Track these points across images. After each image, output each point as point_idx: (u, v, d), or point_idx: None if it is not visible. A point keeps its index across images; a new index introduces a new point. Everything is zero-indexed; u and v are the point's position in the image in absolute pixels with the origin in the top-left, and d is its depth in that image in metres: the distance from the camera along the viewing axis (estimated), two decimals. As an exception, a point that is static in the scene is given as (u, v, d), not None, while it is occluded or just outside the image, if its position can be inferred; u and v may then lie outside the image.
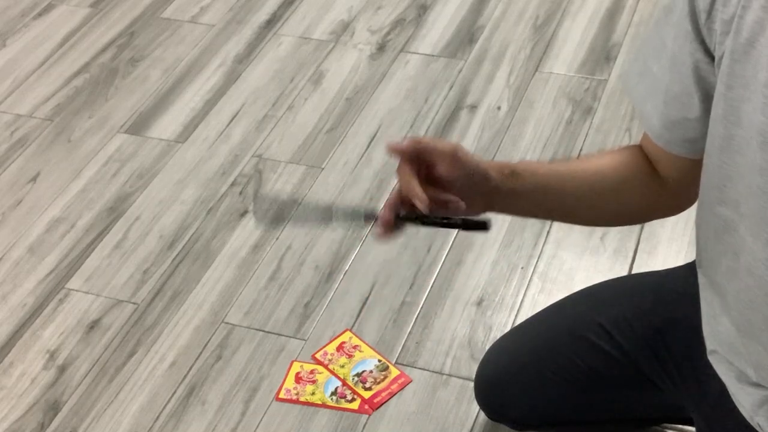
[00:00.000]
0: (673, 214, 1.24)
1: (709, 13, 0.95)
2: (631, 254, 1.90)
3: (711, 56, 0.98)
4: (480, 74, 2.38)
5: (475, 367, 1.51)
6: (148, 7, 2.74)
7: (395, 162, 1.03)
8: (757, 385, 1.11)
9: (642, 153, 1.16)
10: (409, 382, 1.71)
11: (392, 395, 1.69)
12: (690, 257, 1.24)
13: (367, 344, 1.78)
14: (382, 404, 1.68)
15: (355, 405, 1.68)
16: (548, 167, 1.16)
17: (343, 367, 1.74)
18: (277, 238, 2.00)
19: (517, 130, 2.21)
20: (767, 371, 1.08)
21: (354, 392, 1.70)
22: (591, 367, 1.36)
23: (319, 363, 1.75)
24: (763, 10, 0.89)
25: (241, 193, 2.12)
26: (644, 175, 1.15)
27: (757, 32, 0.90)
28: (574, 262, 1.90)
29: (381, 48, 2.50)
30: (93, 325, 1.86)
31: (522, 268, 1.89)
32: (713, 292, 1.12)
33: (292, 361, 1.76)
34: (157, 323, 1.85)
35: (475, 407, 1.61)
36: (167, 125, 2.32)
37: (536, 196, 1.13)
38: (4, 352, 1.83)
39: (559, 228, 1.96)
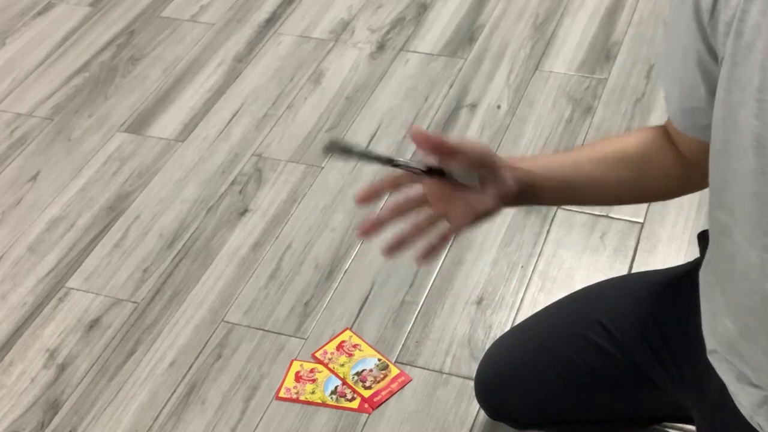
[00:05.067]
0: (697, 190, 1.24)
1: (712, 13, 0.95)
2: (631, 253, 1.90)
3: (714, 54, 0.98)
4: (480, 73, 2.38)
5: (475, 366, 1.51)
6: (148, 5, 2.73)
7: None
8: (757, 385, 1.11)
9: (663, 131, 1.17)
10: (409, 381, 1.71)
11: (392, 394, 1.69)
12: (690, 256, 1.24)
13: (367, 343, 1.78)
14: (382, 403, 1.68)
15: (355, 404, 1.68)
16: (567, 163, 1.16)
17: (343, 366, 1.74)
18: (277, 237, 2.00)
19: (517, 129, 2.21)
20: (765, 374, 1.08)
21: (354, 391, 1.70)
22: (591, 366, 1.36)
23: (319, 362, 1.75)
24: (761, 15, 0.89)
25: (240, 192, 2.12)
26: (665, 152, 1.16)
27: (755, 36, 0.90)
28: (574, 261, 1.90)
29: (381, 47, 2.49)
30: (93, 324, 1.86)
31: (522, 267, 1.89)
32: (716, 292, 1.12)
33: (292, 360, 1.76)
34: (156, 322, 1.85)
35: (475, 406, 1.62)
36: (167, 124, 2.32)
37: (559, 193, 1.15)
38: (4, 351, 1.83)
39: (559, 227, 1.96)
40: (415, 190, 1.04)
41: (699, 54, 0.99)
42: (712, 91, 1.02)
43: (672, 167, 1.16)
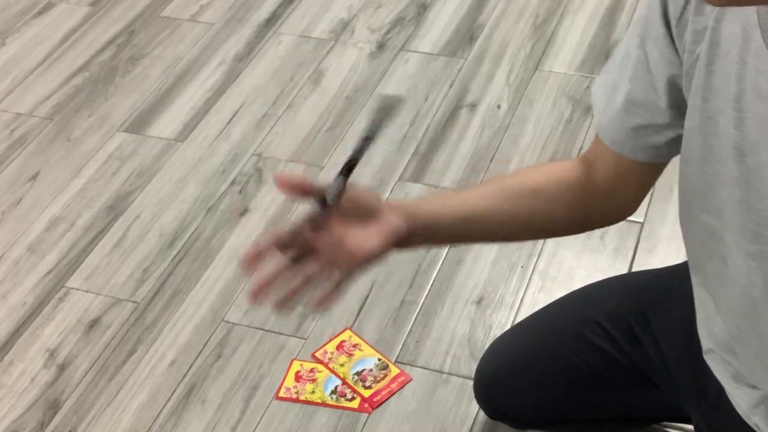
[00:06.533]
0: (614, 224, 1.23)
1: (679, 19, 0.95)
2: (630, 253, 1.90)
3: (680, 59, 0.98)
4: (480, 73, 2.38)
5: (474, 366, 1.51)
6: (148, 5, 2.73)
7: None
8: (753, 385, 1.11)
9: (577, 164, 1.15)
10: (409, 381, 1.71)
11: (392, 394, 1.69)
12: (690, 256, 1.24)
13: (367, 343, 1.78)
14: (382, 403, 1.68)
15: (354, 404, 1.68)
16: (459, 202, 1.13)
17: (343, 365, 1.74)
18: (277, 237, 2.00)
19: (517, 128, 2.21)
20: (760, 375, 1.08)
21: (354, 391, 1.70)
22: (590, 366, 1.36)
23: (319, 362, 1.75)
24: (735, 24, 0.89)
25: (240, 191, 2.12)
26: (572, 185, 1.14)
27: (730, 45, 0.90)
28: (574, 260, 1.90)
29: (381, 46, 2.49)
30: (93, 324, 1.86)
31: (522, 266, 1.89)
32: (706, 293, 1.12)
33: (292, 360, 1.76)
34: (156, 322, 1.85)
35: (475, 406, 1.62)
36: (167, 124, 2.32)
37: (453, 231, 1.12)
38: (4, 351, 1.83)
39: (558, 227, 1.96)
40: (300, 243, 1.01)
41: (669, 62, 0.99)
42: (673, 104, 1.01)
43: (575, 200, 1.14)
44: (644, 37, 1.00)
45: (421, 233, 1.08)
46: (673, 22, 0.96)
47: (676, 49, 0.98)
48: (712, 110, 0.94)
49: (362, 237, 1.00)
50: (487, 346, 1.55)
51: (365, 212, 1.02)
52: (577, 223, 1.21)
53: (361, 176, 2.11)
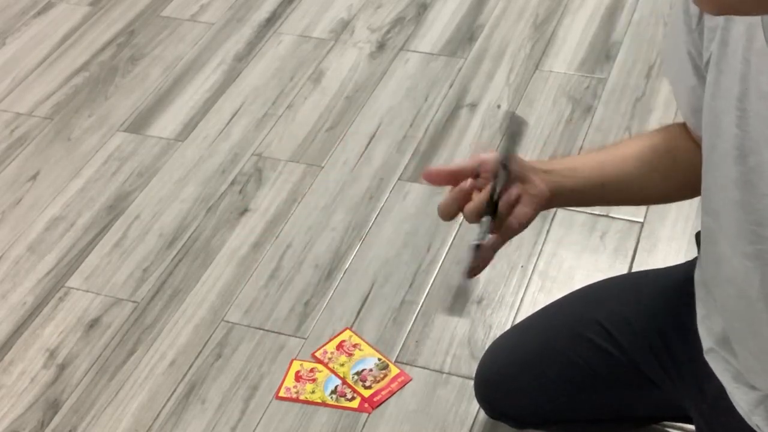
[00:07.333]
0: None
1: (699, 17, 0.97)
2: (630, 253, 1.90)
3: (702, 57, 0.99)
4: (480, 73, 2.38)
5: (475, 366, 1.51)
6: (148, 5, 2.73)
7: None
8: (753, 385, 1.11)
9: (682, 137, 1.17)
10: (409, 381, 1.71)
11: (392, 394, 1.69)
12: (690, 256, 1.24)
13: (367, 343, 1.78)
14: (382, 403, 1.68)
15: (354, 403, 1.68)
16: (593, 164, 1.17)
17: (343, 365, 1.74)
18: (277, 237, 2.00)
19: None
20: (758, 375, 1.09)
21: (354, 391, 1.70)
22: (590, 366, 1.36)
23: (319, 361, 1.75)
24: (743, 25, 0.90)
25: (240, 191, 2.12)
26: (690, 146, 1.15)
27: (737, 44, 0.91)
28: (574, 260, 1.90)
29: (381, 46, 2.49)
30: (93, 324, 1.86)
31: (522, 266, 1.89)
32: (705, 292, 1.12)
33: (292, 360, 1.76)
34: (156, 322, 1.85)
35: (475, 406, 1.62)
36: (167, 124, 2.32)
37: (581, 196, 1.16)
38: (4, 351, 1.83)
39: (559, 227, 1.96)
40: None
41: (691, 56, 1.01)
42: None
43: (697, 160, 1.15)
44: (678, 26, 1.01)
45: (561, 200, 1.12)
46: (693, 21, 0.98)
47: (695, 45, 0.99)
48: (718, 109, 0.95)
49: (519, 210, 1.05)
50: (487, 346, 1.55)
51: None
52: (691, 190, 1.21)
53: (361, 175, 2.11)
